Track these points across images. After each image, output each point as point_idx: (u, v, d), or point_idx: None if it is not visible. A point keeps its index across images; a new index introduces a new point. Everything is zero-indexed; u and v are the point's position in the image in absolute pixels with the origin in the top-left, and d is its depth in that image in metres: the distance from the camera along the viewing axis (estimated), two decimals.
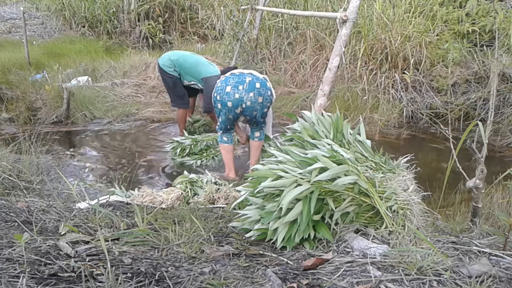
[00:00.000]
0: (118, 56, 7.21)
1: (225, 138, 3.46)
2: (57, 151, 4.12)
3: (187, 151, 4.02)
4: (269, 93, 3.24)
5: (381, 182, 1.92)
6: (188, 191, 2.73)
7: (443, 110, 5.15)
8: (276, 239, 1.77)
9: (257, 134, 3.50)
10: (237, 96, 3.14)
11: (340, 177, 1.79)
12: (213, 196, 2.62)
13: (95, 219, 1.98)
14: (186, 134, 4.33)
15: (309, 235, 1.77)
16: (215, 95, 3.23)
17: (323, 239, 1.76)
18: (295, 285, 1.38)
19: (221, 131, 3.44)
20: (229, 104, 3.17)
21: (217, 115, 3.39)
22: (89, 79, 6.11)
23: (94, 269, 1.39)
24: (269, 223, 1.80)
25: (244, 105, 3.18)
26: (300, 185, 1.77)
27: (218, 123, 3.43)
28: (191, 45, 7.68)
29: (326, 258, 1.58)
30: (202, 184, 2.83)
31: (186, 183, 2.80)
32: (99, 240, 1.61)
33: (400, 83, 5.27)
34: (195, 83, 4.31)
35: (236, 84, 3.15)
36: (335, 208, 1.79)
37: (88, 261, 1.47)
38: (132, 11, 8.13)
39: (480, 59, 5.30)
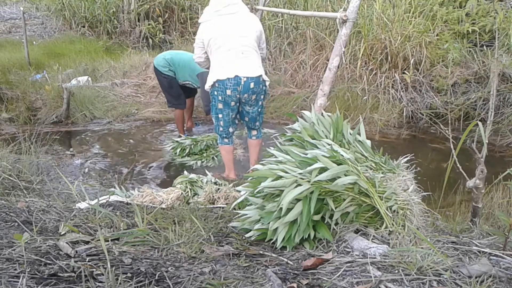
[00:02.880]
0: (118, 56, 7.21)
1: (225, 140, 3.42)
2: (57, 151, 4.13)
3: (187, 151, 4.02)
4: (261, 86, 3.23)
5: (381, 182, 1.92)
6: (188, 191, 2.73)
7: (443, 110, 5.14)
8: (276, 239, 1.77)
9: (254, 132, 3.50)
10: (238, 96, 3.18)
11: (340, 177, 1.79)
12: (213, 196, 2.62)
13: (95, 219, 1.98)
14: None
15: (309, 235, 1.77)
16: (216, 94, 3.19)
17: (323, 239, 1.76)
18: (295, 285, 1.38)
19: (224, 133, 3.37)
20: (232, 104, 3.22)
21: (218, 116, 3.30)
22: (89, 79, 6.11)
23: (94, 269, 1.39)
24: (269, 223, 1.80)
25: (240, 102, 3.27)
26: (300, 185, 1.77)
27: (220, 127, 3.34)
28: (191, 45, 7.66)
29: (326, 258, 1.58)
30: (202, 184, 2.83)
31: (186, 183, 2.80)
32: (99, 240, 1.61)
33: (400, 83, 5.27)
34: (190, 82, 4.31)
35: (235, 86, 3.13)
36: (335, 208, 1.79)
37: (88, 261, 1.47)
38: (132, 11, 8.12)
39: (480, 59, 5.29)
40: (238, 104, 3.27)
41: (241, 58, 3.12)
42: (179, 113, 4.44)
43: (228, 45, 3.12)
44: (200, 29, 3.25)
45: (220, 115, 3.28)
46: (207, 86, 3.22)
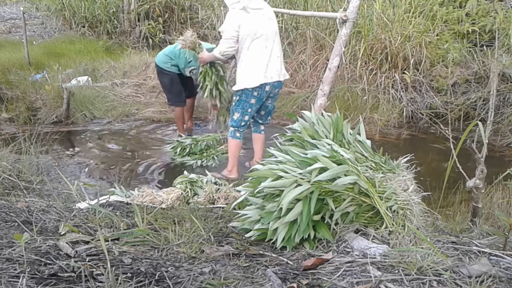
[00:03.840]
0: (118, 56, 7.20)
1: (238, 134, 3.44)
2: (57, 151, 4.12)
3: (187, 151, 4.02)
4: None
5: (381, 182, 1.92)
6: (188, 191, 2.73)
7: (443, 110, 5.15)
8: (276, 239, 1.77)
9: (262, 127, 3.56)
10: (272, 90, 3.35)
11: (340, 177, 1.79)
12: (213, 196, 2.62)
13: (95, 219, 1.98)
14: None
15: (309, 235, 1.77)
16: (251, 89, 3.25)
17: (323, 239, 1.77)
18: (295, 285, 1.38)
19: (243, 127, 3.42)
20: (264, 99, 3.35)
21: (246, 110, 3.35)
22: (89, 79, 6.10)
23: (94, 269, 1.39)
24: (269, 223, 1.80)
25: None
26: (300, 185, 1.77)
27: (243, 121, 3.38)
28: None
29: (326, 258, 1.58)
30: (202, 184, 2.83)
31: (186, 183, 2.80)
32: (99, 240, 1.61)
33: (400, 83, 5.27)
34: (194, 67, 4.26)
35: (272, 82, 3.28)
36: (335, 208, 1.79)
37: (88, 261, 1.47)
38: (132, 11, 8.12)
39: (480, 59, 5.29)
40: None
41: (279, 62, 3.31)
42: (179, 111, 4.44)
43: (268, 46, 3.22)
44: (234, 18, 3.15)
45: (249, 110, 3.34)
46: (246, 85, 3.24)
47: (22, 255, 1.42)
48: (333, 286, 1.37)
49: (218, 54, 3.30)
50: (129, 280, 1.35)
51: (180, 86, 4.34)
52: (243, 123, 3.39)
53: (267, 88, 3.28)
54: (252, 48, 3.18)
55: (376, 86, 5.27)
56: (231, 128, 3.44)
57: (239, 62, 3.29)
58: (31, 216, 1.93)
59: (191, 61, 4.13)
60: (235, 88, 3.33)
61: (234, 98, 3.41)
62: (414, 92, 5.32)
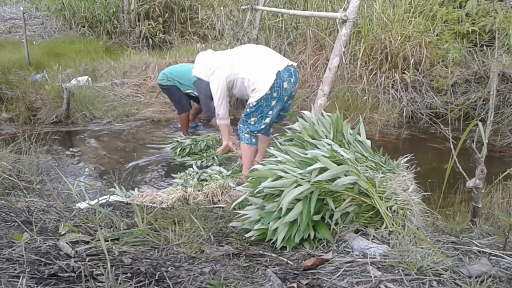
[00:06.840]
0: (118, 56, 7.21)
1: (254, 140, 3.11)
2: (57, 151, 4.12)
3: (187, 151, 4.02)
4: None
5: (381, 182, 1.92)
6: (193, 185, 2.74)
7: (443, 110, 5.15)
8: (276, 239, 1.77)
9: (271, 129, 3.30)
10: (291, 88, 3.00)
11: (340, 177, 1.79)
12: (213, 199, 2.63)
13: (95, 219, 1.98)
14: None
15: (309, 235, 1.77)
16: (270, 92, 2.89)
17: (323, 239, 1.77)
18: (295, 285, 1.38)
19: (262, 130, 3.07)
20: (285, 99, 2.99)
21: (265, 113, 3.00)
22: (89, 79, 6.11)
23: (94, 269, 1.39)
24: (269, 223, 1.80)
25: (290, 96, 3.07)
26: (300, 185, 1.77)
27: (262, 123, 3.02)
28: (191, 45, 7.68)
29: (326, 258, 1.58)
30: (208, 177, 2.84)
31: (192, 178, 2.81)
32: (99, 240, 1.61)
33: (400, 83, 5.27)
34: (191, 91, 4.38)
35: (289, 77, 2.94)
36: (335, 208, 1.79)
37: (88, 261, 1.47)
38: (132, 11, 8.13)
39: (480, 59, 5.30)
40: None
41: (272, 51, 3.20)
42: (182, 116, 4.53)
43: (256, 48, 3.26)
44: None
45: (270, 112, 2.99)
46: (263, 92, 2.88)
47: (22, 255, 1.42)
48: (333, 286, 1.37)
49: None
50: (129, 280, 1.35)
51: (179, 94, 4.44)
52: (263, 126, 3.02)
53: (285, 85, 2.90)
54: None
55: (376, 86, 5.28)
56: (246, 135, 3.07)
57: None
58: (31, 216, 1.93)
59: (185, 83, 4.34)
60: (254, 100, 2.94)
61: (251, 108, 2.99)
62: (414, 92, 5.32)
